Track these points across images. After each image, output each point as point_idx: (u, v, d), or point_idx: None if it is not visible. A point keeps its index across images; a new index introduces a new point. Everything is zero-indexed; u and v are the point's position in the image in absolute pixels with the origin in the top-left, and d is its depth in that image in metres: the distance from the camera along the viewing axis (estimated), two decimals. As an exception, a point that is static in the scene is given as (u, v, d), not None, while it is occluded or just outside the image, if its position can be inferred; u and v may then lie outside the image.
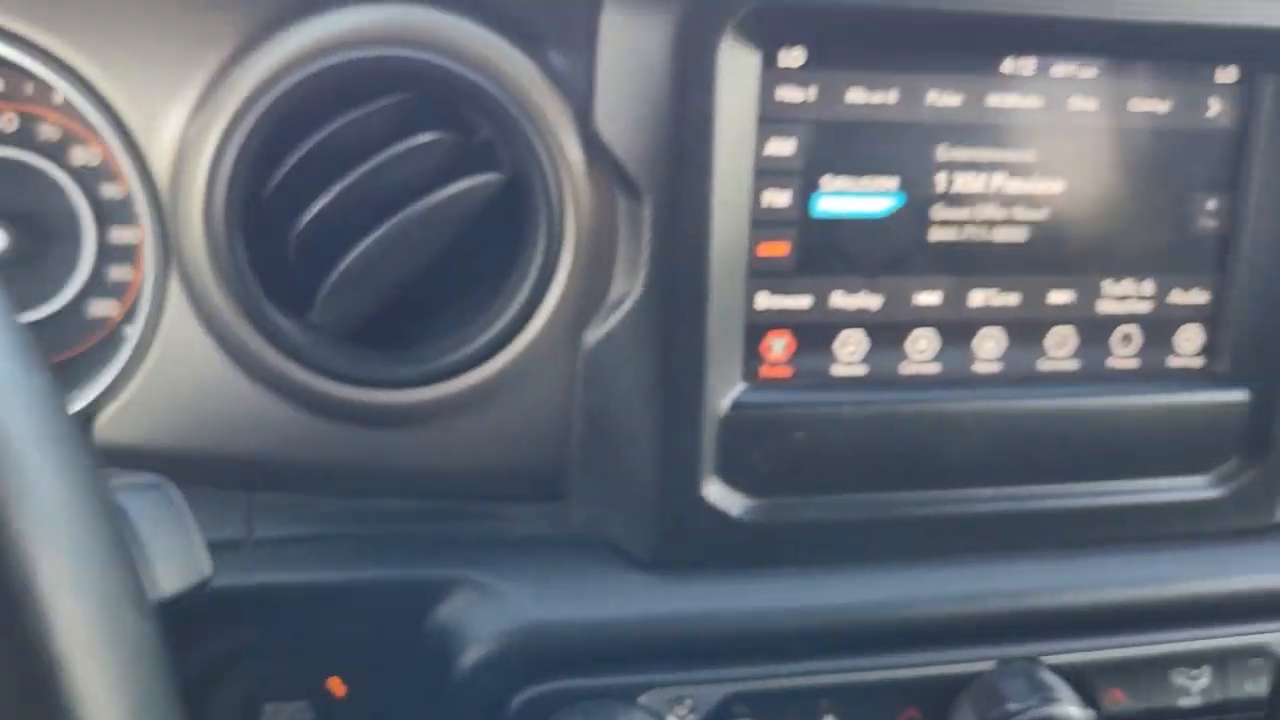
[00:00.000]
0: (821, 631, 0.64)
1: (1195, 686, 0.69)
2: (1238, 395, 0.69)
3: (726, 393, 0.62)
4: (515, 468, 0.65)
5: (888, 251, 0.64)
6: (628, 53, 0.57)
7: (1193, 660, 0.69)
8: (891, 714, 0.65)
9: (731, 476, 0.63)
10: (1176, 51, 0.65)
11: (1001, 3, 0.60)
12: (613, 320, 0.60)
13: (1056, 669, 0.66)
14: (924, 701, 0.66)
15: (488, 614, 0.62)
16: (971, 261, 0.65)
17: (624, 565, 0.64)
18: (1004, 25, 0.61)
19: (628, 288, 0.60)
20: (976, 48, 0.62)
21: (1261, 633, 0.70)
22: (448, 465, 0.64)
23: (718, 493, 0.63)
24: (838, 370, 0.65)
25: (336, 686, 0.63)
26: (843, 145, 0.61)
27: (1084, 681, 0.67)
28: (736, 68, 0.58)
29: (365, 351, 0.61)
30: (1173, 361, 0.69)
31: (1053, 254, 0.66)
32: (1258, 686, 0.70)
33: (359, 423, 0.61)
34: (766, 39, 0.58)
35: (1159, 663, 0.68)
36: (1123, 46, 0.64)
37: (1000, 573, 0.67)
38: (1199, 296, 0.69)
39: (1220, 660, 0.69)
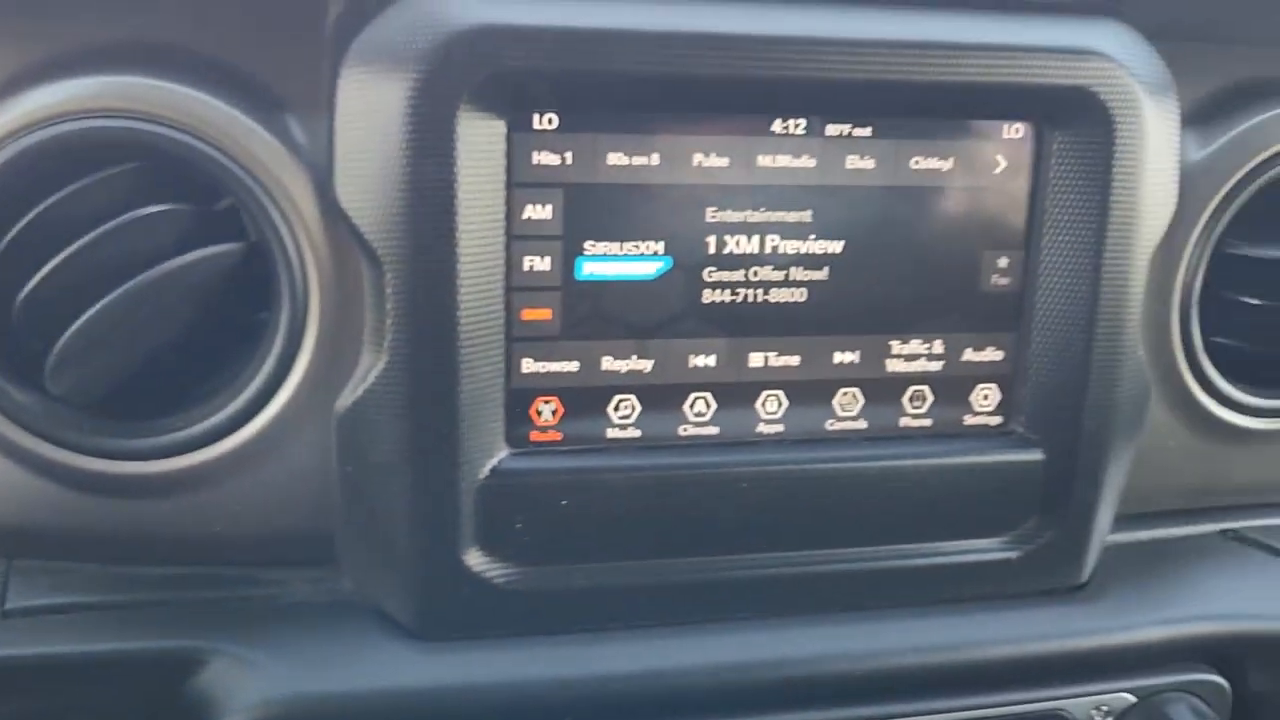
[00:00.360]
0: (590, 702, 0.63)
1: (987, 753, 0.68)
2: (1034, 455, 0.68)
3: (486, 460, 0.61)
4: (280, 534, 0.63)
5: (659, 314, 0.62)
6: (366, 119, 0.56)
7: (985, 727, 0.68)
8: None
9: (494, 544, 0.62)
10: (960, 110, 0.63)
11: (759, 68, 0.58)
12: (361, 390, 0.59)
13: (836, 737, 0.65)
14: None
15: (243, 685, 0.60)
16: (749, 323, 0.63)
17: (393, 633, 0.63)
18: (767, 88, 0.59)
19: (375, 357, 0.59)
20: (742, 109, 0.61)
21: (1058, 697, 0.69)
22: (209, 533, 0.63)
23: (479, 561, 0.62)
24: (611, 434, 0.63)
25: (93, 760, 0.62)
26: (605, 208, 0.60)
27: (866, 749, 0.66)
28: (479, 134, 0.56)
29: (107, 423, 0.60)
30: (969, 420, 0.68)
31: (835, 314, 0.64)
32: (1052, 753, 0.69)
33: (106, 493, 0.60)
34: (510, 105, 0.57)
35: (949, 729, 0.67)
36: (903, 106, 0.62)
37: (780, 639, 0.65)
38: (993, 355, 0.67)
39: (1014, 726, 0.68)
